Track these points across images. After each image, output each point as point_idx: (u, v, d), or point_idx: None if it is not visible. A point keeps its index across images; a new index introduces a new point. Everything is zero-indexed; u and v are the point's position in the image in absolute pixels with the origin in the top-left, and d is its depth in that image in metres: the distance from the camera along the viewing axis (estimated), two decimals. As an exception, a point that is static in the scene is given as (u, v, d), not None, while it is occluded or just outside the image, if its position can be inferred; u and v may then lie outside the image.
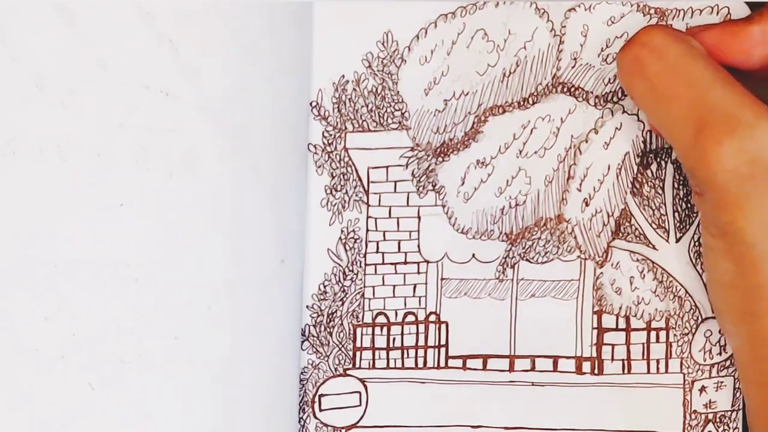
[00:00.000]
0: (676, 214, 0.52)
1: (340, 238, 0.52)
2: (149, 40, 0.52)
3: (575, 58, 0.52)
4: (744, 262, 0.44)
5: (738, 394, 0.52)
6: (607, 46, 0.51)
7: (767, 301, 0.44)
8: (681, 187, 0.52)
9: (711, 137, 0.43)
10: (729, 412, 0.52)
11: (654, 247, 0.52)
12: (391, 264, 0.52)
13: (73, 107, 0.52)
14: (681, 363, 0.52)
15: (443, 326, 0.52)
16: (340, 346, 0.52)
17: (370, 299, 0.52)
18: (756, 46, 0.46)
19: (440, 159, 0.52)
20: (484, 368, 0.51)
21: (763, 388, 0.45)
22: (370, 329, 0.52)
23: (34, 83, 0.52)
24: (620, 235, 0.52)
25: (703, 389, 0.52)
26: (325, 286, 0.52)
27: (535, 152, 0.51)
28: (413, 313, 0.52)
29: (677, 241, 0.52)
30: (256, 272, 0.52)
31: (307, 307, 0.52)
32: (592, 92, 0.52)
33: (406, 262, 0.52)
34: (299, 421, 0.52)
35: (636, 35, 0.47)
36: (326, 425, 0.52)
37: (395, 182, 0.52)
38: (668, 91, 0.45)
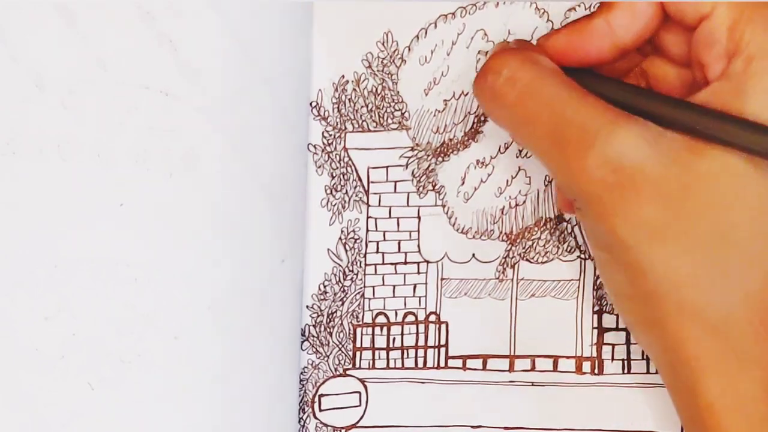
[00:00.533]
0: (676, 214, 0.52)
1: (340, 238, 0.52)
2: (149, 40, 0.52)
3: (575, 58, 0.52)
4: (632, 269, 0.43)
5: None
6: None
7: (664, 305, 0.43)
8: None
9: (574, 153, 0.43)
10: (729, 412, 0.52)
11: (654, 247, 0.52)
12: (391, 264, 0.52)
13: (73, 107, 0.52)
14: (681, 363, 0.52)
15: (443, 326, 0.51)
16: (340, 346, 0.52)
17: (370, 299, 0.52)
18: (604, 38, 0.46)
19: (440, 159, 0.52)
20: (484, 368, 0.51)
21: (682, 393, 0.44)
22: (370, 329, 0.52)
23: (34, 83, 0.52)
24: (620, 235, 0.52)
25: (703, 389, 0.52)
26: (325, 286, 0.52)
27: (535, 152, 0.51)
28: (413, 313, 0.52)
29: (677, 241, 0.52)
30: (256, 272, 0.52)
31: (307, 307, 0.52)
32: (592, 92, 0.52)
33: (406, 262, 0.52)
34: (299, 421, 0.52)
35: (487, 63, 0.46)
36: (326, 425, 0.52)
37: (395, 182, 0.52)
38: (527, 115, 0.45)
